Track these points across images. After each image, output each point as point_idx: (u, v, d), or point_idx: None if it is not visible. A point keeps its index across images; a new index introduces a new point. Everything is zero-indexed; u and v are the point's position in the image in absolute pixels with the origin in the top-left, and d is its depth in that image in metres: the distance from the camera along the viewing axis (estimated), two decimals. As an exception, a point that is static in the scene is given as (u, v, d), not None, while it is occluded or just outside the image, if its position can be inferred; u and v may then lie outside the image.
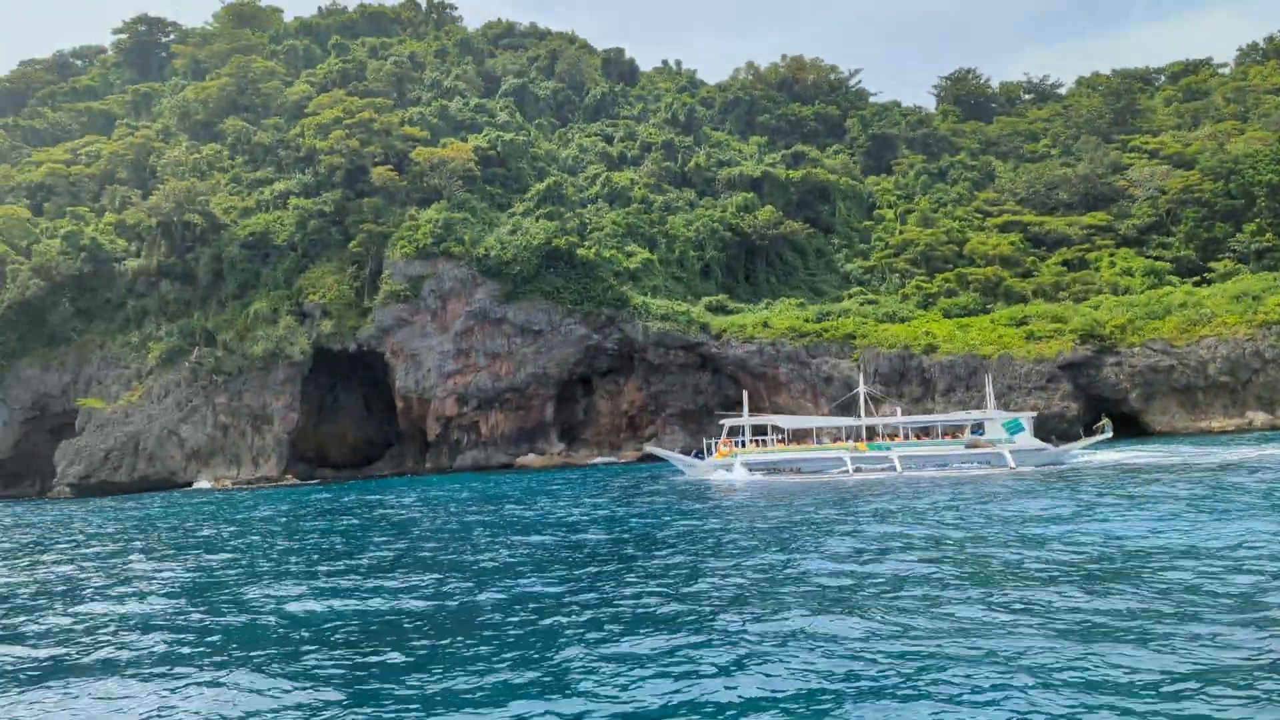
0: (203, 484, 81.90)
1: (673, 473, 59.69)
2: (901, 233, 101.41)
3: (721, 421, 58.11)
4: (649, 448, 69.24)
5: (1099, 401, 75.53)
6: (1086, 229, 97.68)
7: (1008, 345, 76.70)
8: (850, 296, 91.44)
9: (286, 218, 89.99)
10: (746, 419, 56.36)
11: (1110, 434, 52.95)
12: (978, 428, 52.57)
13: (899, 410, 64.38)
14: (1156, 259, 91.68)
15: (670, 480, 54.04)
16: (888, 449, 52.00)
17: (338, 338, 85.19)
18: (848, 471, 50.58)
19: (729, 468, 52.93)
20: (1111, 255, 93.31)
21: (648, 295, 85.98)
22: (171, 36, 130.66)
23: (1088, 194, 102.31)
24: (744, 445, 55.29)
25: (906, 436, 54.77)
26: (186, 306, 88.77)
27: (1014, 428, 51.02)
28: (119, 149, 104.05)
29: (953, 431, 54.24)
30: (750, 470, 52.20)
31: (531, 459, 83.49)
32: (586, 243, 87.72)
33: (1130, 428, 73.92)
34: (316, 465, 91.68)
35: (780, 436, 56.93)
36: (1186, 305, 76.13)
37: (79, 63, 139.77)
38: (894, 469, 50.32)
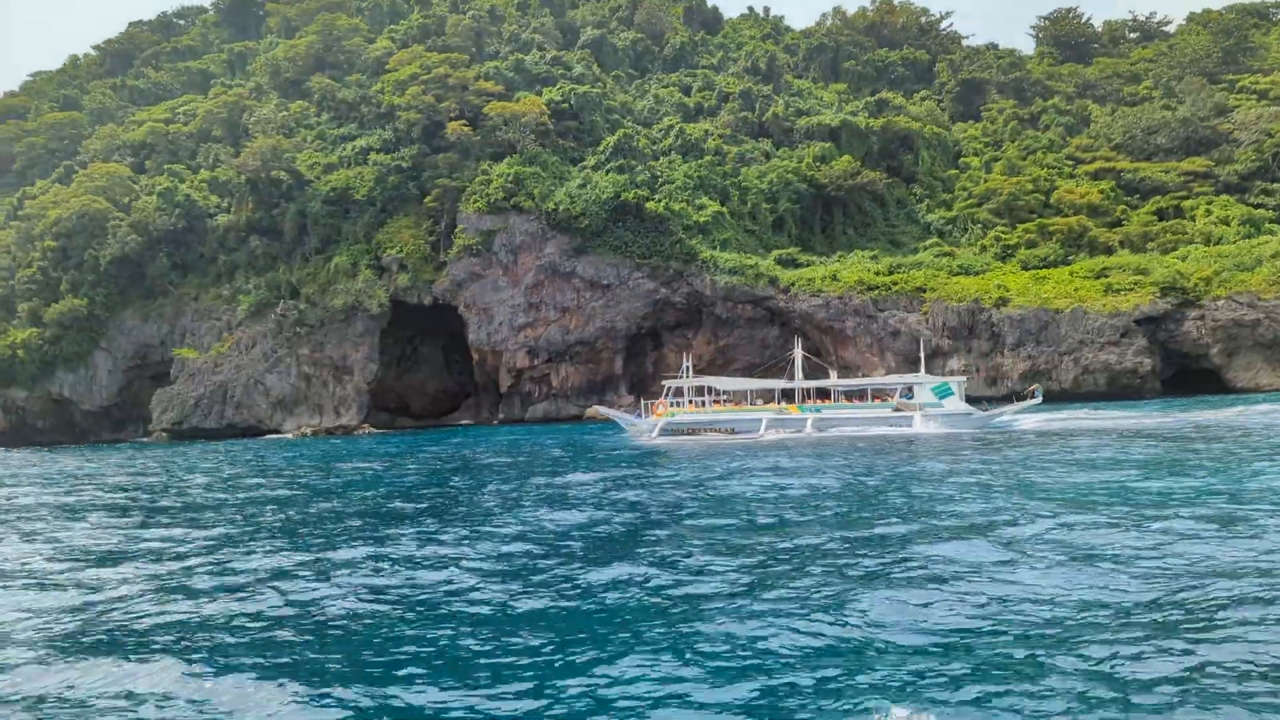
0: (286, 432, 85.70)
1: (618, 432, 60.29)
2: (985, 182, 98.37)
3: (663, 382, 59.66)
4: (597, 408, 68.84)
5: (1178, 357, 72.84)
6: (1184, 175, 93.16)
7: (1083, 298, 74.25)
8: (926, 249, 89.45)
9: (366, 173, 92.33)
10: (687, 380, 57.28)
11: (1040, 399, 52.84)
12: (907, 391, 52.71)
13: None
14: (1257, 206, 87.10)
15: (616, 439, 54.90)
16: (818, 411, 52.49)
17: (414, 291, 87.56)
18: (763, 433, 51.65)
19: (653, 428, 54.36)
20: (1209, 203, 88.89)
21: (717, 249, 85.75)
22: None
23: (1188, 139, 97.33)
24: (681, 406, 56.05)
25: (837, 399, 55.57)
26: (273, 260, 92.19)
27: (943, 392, 51.23)
28: (214, 107, 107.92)
29: (883, 395, 54.49)
30: (672, 432, 53.32)
31: (597, 410, 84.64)
32: (656, 196, 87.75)
33: (1210, 384, 71.08)
34: (397, 415, 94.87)
35: (717, 398, 57.62)
36: (1280, 256, 72.40)
37: (181, 22, 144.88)
38: (803, 431, 51.00)
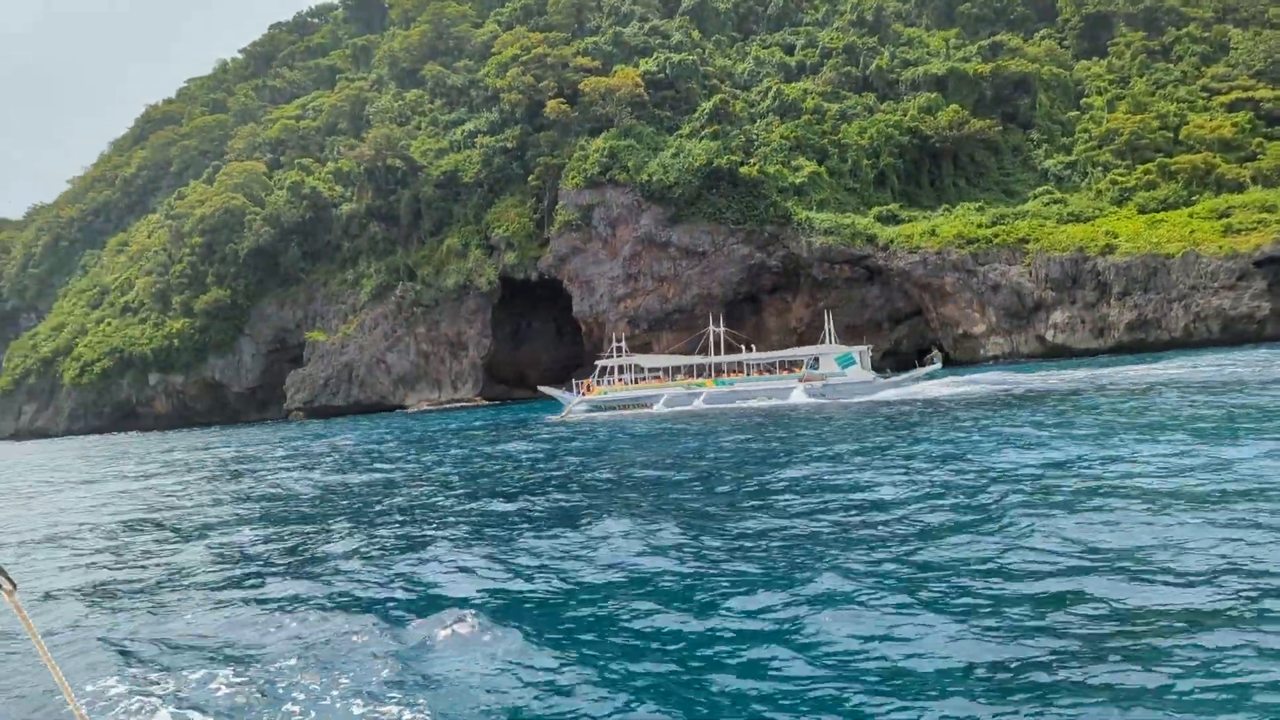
0: (408, 407, 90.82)
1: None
2: (1107, 122, 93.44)
3: (596, 361, 61.76)
4: (541, 387, 69.56)
5: (1303, 301, 67.97)
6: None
7: (1199, 241, 70.14)
8: (1035, 197, 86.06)
9: (474, 156, 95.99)
10: (615, 360, 59.06)
11: (940, 364, 53.16)
12: (814, 362, 53.46)
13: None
14: None
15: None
16: (730, 385, 53.78)
17: (521, 268, 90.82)
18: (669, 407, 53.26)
19: (589, 406, 56.45)
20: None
21: (813, 209, 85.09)
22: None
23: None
24: (611, 384, 58.09)
25: (748, 372, 56.39)
26: (392, 245, 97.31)
27: (845, 361, 52.70)
28: (338, 101, 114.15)
29: (793, 366, 54.93)
30: (594, 409, 55.18)
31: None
32: (751, 160, 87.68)
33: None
34: (514, 387, 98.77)
35: (643, 376, 59.02)
36: None
37: (315, 20, 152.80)
38: (692, 405, 52.49)
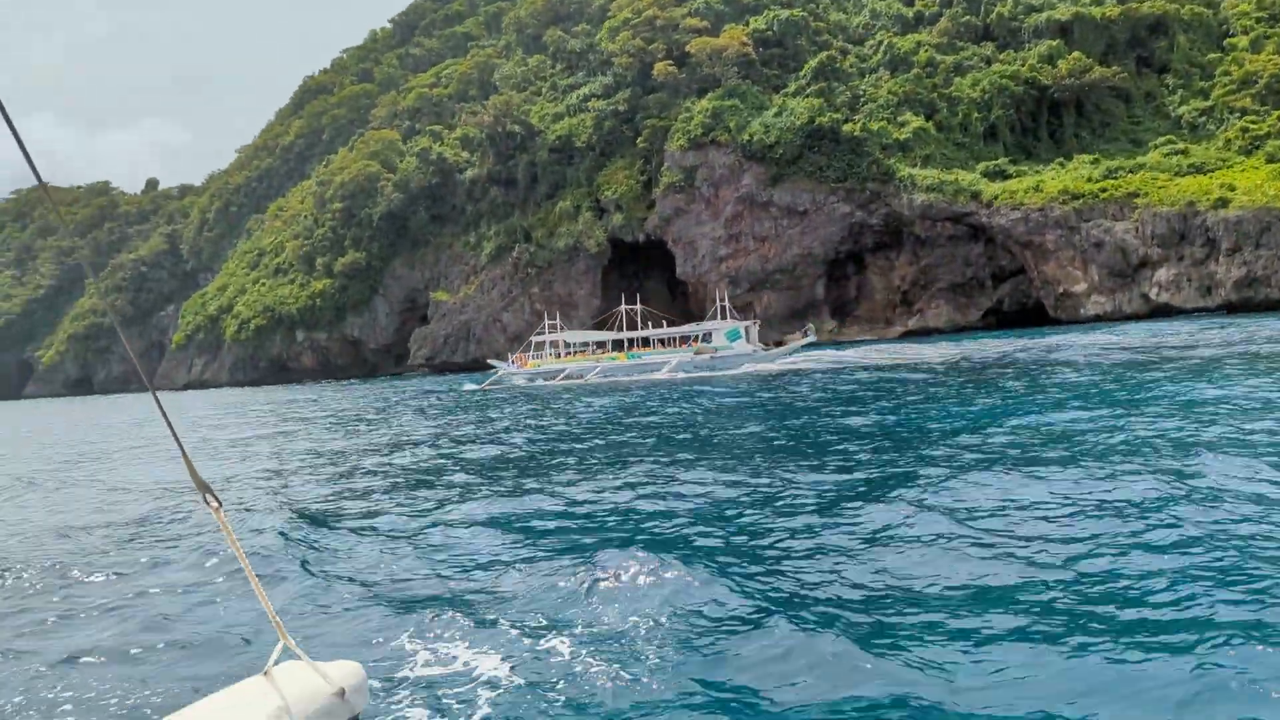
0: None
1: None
2: (1249, 63, 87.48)
3: (531, 338, 65.66)
4: (492, 361, 71.04)
5: None
6: None
7: (1324, 195, 65.72)
8: (1156, 148, 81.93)
9: (587, 120, 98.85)
10: (547, 336, 63.40)
11: (814, 338, 56.84)
12: (706, 337, 55.99)
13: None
14: None
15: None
16: (639, 358, 57.16)
17: (628, 229, 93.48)
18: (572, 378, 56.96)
19: (527, 376, 60.52)
20: None
21: (917, 166, 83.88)
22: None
23: None
24: (543, 357, 62.53)
25: (651, 346, 60.21)
26: (510, 208, 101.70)
27: (733, 335, 55.82)
28: (468, 68, 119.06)
29: (694, 339, 57.20)
30: (530, 379, 59.14)
31: (797, 337, 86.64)
32: (857, 116, 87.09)
33: None
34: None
35: (569, 350, 63.39)
36: None
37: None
38: (586, 378, 55.52)
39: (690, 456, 16.94)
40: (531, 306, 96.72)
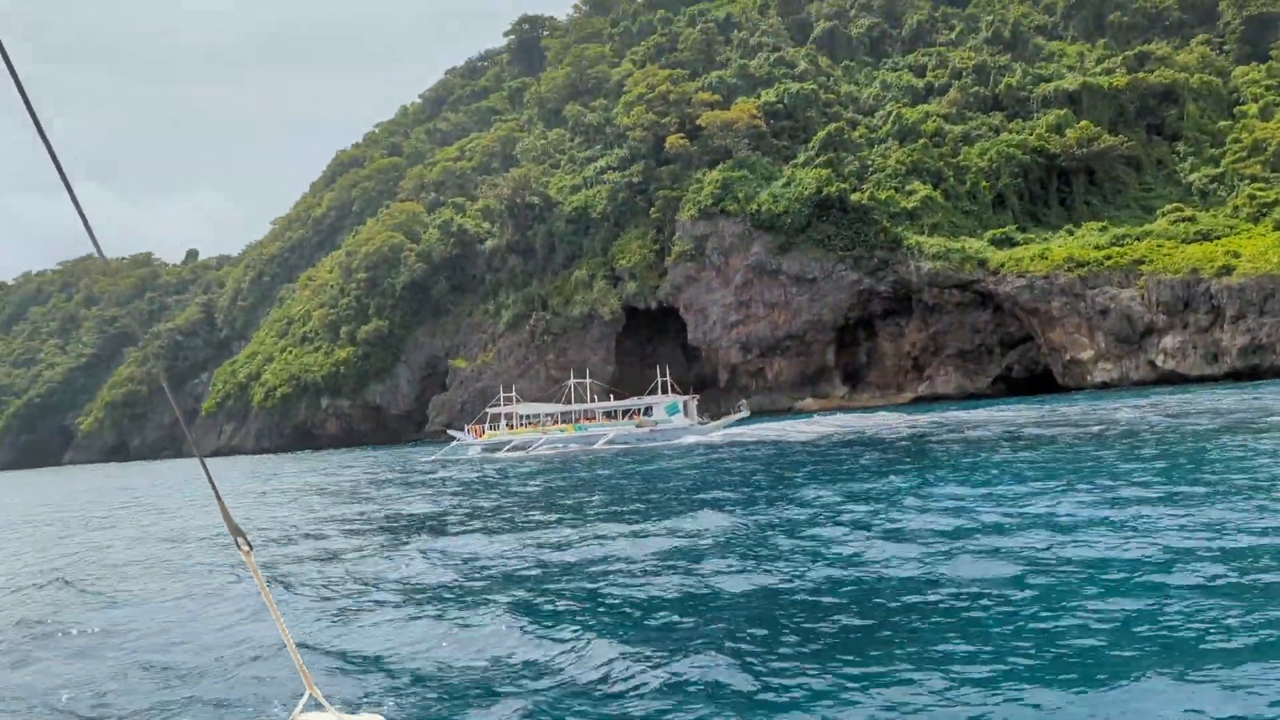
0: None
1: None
2: (1258, 130, 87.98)
3: (485, 410, 68.59)
4: (451, 431, 74.09)
5: None
6: None
7: (1328, 262, 65.61)
8: (1164, 215, 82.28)
9: (602, 192, 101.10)
10: (502, 409, 65.21)
11: (747, 414, 59.90)
12: (648, 410, 58.91)
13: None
14: None
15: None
16: (584, 430, 58.85)
17: (641, 297, 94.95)
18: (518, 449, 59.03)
19: (483, 447, 62.75)
20: None
21: (924, 234, 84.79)
22: (546, 32, 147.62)
23: None
24: (499, 429, 64.69)
25: (596, 419, 62.16)
26: (528, 277, 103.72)
27: (672, 409, 59.08)
28: (490, 141, 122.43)
29: (636, 413, 59.67)
30: (487, 449, 61.05)
31: (809, 403, 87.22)
32: (864, 185, 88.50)
33: None
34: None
35: (521, 422, 65.25)
36: None
37: (484, 64, 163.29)
38: (528, 450, 57.86)
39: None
40: (547, 373, 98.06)
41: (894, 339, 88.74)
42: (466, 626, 10.36)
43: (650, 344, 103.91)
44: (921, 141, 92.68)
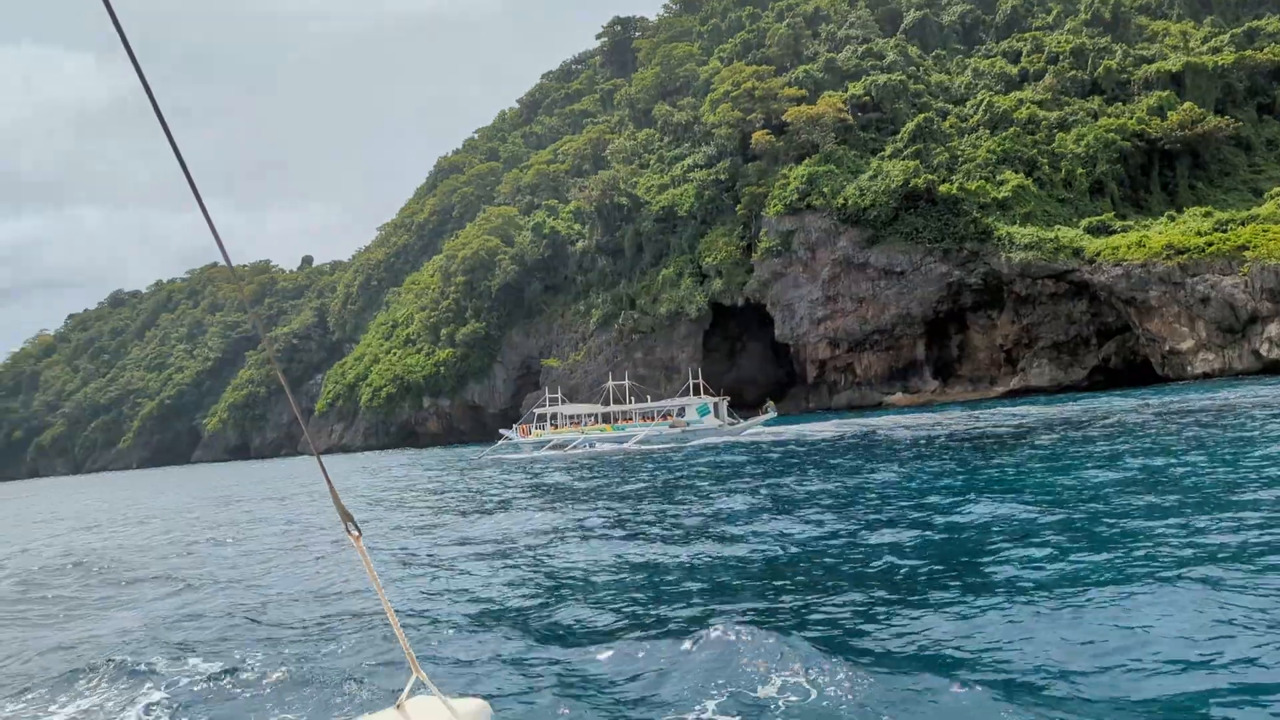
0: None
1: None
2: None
3: (533, 410, 71.05)
4: (502, 430, 75.94)
5: None
6: None
7: None
8: (1272, 198, 78.53)
9: (689, 190, 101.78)
10: (548, 409, 67.81)
11: (774, 413, 60.46)
12: (680, 411, 60.59)
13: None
14: None
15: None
16: (623, 430, 60.91)
17: (727, 294, 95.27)
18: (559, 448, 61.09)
19: (531, 445, 65.01)
20: None
21: (1016, 224, 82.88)
22: (637, 33, 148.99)
23: None
24: (545, 428, 67.06)
25: (633, 420, 64.40)
26: (617, 277, 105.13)
27: (703, 410, 60.54)
28: (582, 144, 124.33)
29: (670, 414, 61.43)
30: (535, 448, 62.73)
31: (899, 398, 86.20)
32: (954, 176, 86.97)
33: None
34: (731, 407, 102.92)
35: (563, 422, 67.88)
36: None
37: (578, 67, 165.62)
38: (565, 450, 59.77)
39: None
40: (635, 371, 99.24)
41: (985, 331, 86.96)
42: (560, 612, 10.67)
43: (738, 341, 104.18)
44: (1014, 129, 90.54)
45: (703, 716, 6.91)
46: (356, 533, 2.97)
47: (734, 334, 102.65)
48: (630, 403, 69.70)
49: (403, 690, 2.48)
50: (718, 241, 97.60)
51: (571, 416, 68.43)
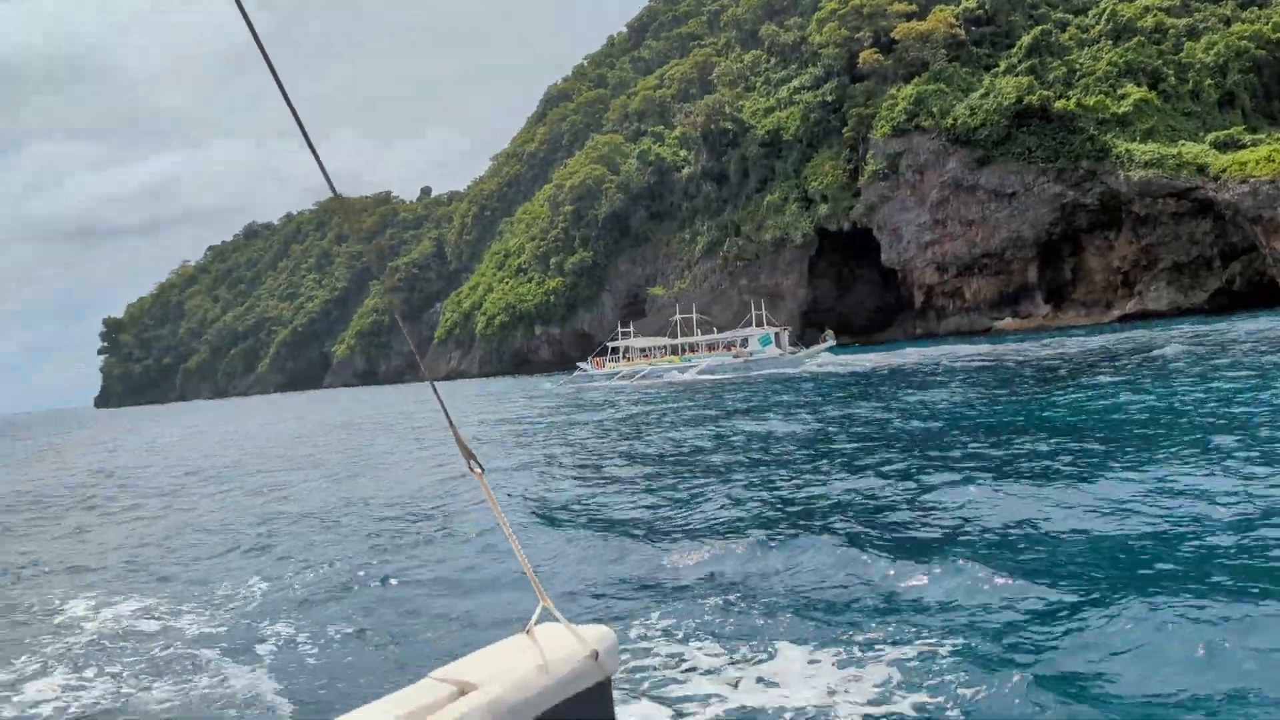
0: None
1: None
2: None
3: (606, 343, 75.34)
4: (579, 362, 78.66)
5: None
6: None
7: None
8: None
9: (795, 113, 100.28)
10: (620, 342, 72.08)
11: (833, 343, 62.02)
12: (744, 341, 64.38)
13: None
14: None
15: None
16: (689, 362, 63.87)
17: (834, 219, 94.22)
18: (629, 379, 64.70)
19: (604, 376, 68.43)
20: None
21: (1137, 140, 79.16)
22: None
23: None
24: (618, 360, 71.43)
25: (699, 351, 67.82)
26: (723, 203, 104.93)
27: (765, 341, 63.29)
28: (688, 69, 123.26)
29: (734, 345, 63.97)
30: (609, 379, 66.01)
31: (1009, 323, 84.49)
32: (1071, 91, 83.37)
33: None
34: (838, 333, 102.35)
35: (634, 354, 71.98)
36: None
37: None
38: (632, 380, 63.81)
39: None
40: (740, 299, 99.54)
41: (1101, 254, 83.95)
42: (675, 540, 10.86)
43: (845, 267, 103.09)
44: (1137, 40, 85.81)
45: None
46: (480, 469, 2.91)
47: (841, 260, 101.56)
48: (697, 334, 72.38)
49: (530, 617, 2.60)
50: (824, 165, 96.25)
51: (642, 349, 71.84)
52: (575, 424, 31.59)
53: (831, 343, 62.87)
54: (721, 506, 12.79)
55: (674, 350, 69.07)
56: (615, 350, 74.17)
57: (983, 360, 43.19)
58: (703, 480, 15.48)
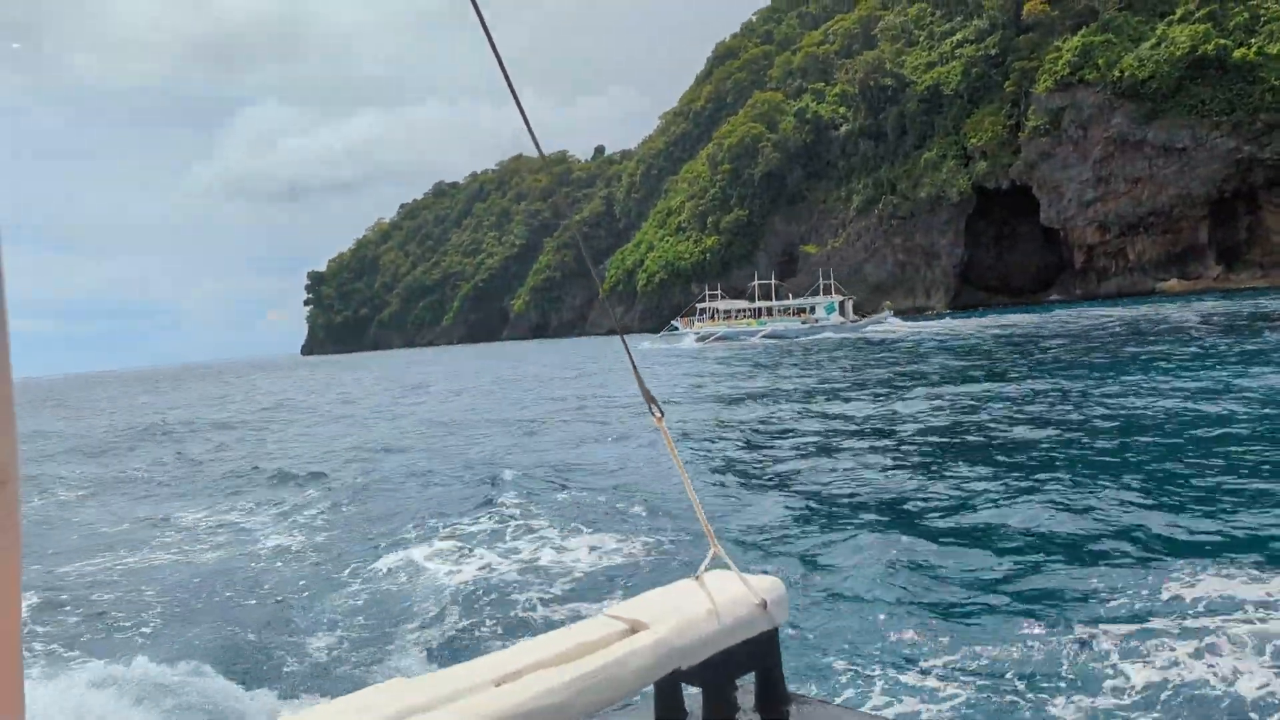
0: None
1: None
2: None
3: (695, 304, 79.86)
4: (673, 320, 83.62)
5: None
6: None
7: None
8: None
9: (956, 67, 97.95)
10: (707, 304, 76.99)
11: (890, 314, 65.24)
12: (812, 309, 69.83)
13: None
14: None
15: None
16: (764, 325, 68.45)
17: (992, 176, 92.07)
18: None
19: (693, 335, 72.98)
20: None
21: (1326, 90, 73.79)
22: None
23: None
24: (704, 321, 76.17)
25: (775, 315, 72.33)
26: (879, 161, 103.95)
27: (830, 309, 68.62)
28: (851, 24, 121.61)
29: (803, 311, 68.93)
30: (699, 338, 70.00)
31: (1175, 284, 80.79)
32: (1253, 40, 78.19)
33: None
34: (995, 293, 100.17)
35: (720, 315, 76.77)
36: None
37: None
38: (708, 340, 69.43)
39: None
40: (894, 257, 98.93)
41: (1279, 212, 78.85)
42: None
43: (1006, 225, 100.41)
44: (1335, -23, 79.26)
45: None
46: (659, 414, 2.67)
47: (1000, 219, 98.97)
48: (773, 299, 77.83)
49: (702, 563, 2.47)
50: (984, 121, 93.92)
51: (725, 311, 76.89)
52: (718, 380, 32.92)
53: (890, 313, 66.59)
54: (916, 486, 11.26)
55: (754, 313, 73.84)
56: (703, 311, 78.66)
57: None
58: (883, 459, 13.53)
